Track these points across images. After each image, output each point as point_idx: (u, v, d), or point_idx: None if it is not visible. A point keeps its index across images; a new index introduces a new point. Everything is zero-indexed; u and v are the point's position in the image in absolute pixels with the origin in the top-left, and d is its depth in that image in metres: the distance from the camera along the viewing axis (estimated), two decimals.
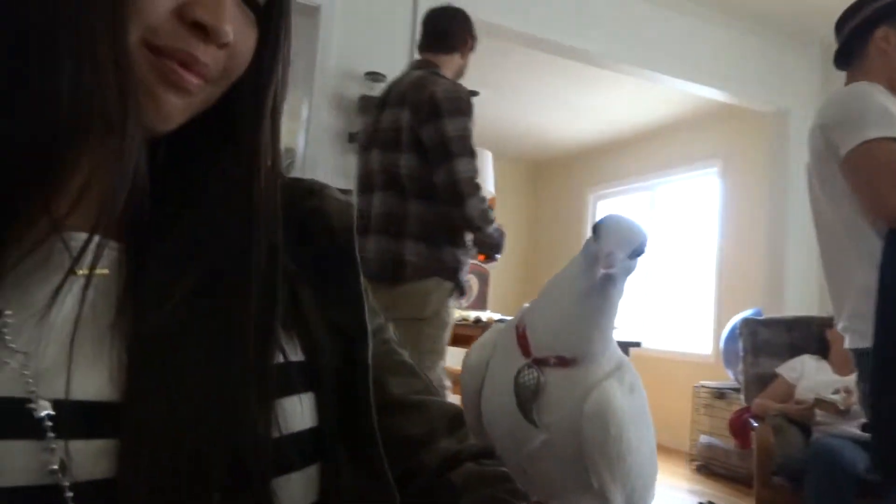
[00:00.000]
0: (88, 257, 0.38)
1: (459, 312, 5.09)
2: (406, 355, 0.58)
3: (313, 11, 2.75)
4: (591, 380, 0.35)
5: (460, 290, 2.07)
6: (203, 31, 0.39)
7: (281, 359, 0.44)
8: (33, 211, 0.37)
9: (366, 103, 2.75)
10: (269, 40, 0.45)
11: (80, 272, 0.38)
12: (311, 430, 0.44)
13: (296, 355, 0.46)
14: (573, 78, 4.61)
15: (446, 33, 2.18)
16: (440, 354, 2.03)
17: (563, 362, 0.35)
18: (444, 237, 2.01)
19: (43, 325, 0.36)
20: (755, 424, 2.58)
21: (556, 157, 6.87)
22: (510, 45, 3.72)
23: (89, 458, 0.35)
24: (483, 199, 2.00)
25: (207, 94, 0.42)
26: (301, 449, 0.43)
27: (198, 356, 0.39)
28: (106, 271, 0.39)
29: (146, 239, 0.41)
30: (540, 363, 0.35)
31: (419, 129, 1.96)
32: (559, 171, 6.93)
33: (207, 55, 0.40)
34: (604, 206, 6.51)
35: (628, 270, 0.34)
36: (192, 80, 0.40)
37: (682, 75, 3.68)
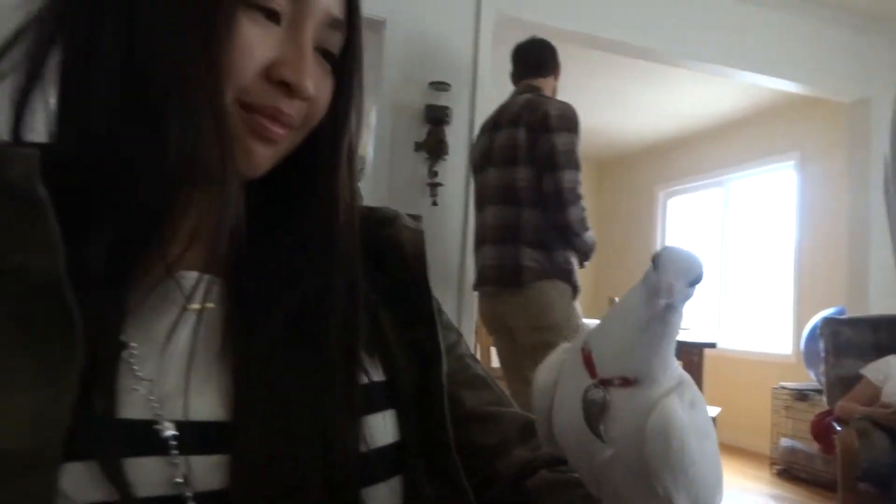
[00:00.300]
0: (199, 294, 0.43)
1: None
2: (479, 368, 0.61)
3: (379, 25, 2.83)
4: (653, 397, 0.38)
5: (575, 291, 2.24)
6: (287, 88, 0.44)
7: (365, 379, 0.48)
8: (150, 255, 0.43)
9: (431, 112, 2.81)
10: (344, 89, 0.49)
11: (192, 307, 0.43)
12: (393, 445, 0.48)
13: (378, 375, 0.50)
14: (638, 75, 4.55)
15: (542, 61, 2.48)
16: None
17: (627, 382, 0.38)
18: (556, 241, 2.20)
19: (163, 355, 0.41)
20: (838, 428, 2.49)
21: (622, 156, 6.77)
22: (573, 46, 3.72)
23: (207, 471, 0.40)
24: (583, 208, 2.21)
25: (290, 142, 0.47)
26: (385, 462, 0.47)
27: (293, 380, 0.44)
28: (212, 305, 0.44)
29: (244, 275, 0.46)
30: (605, 383, 0.38)
31: (534, 143, 2.19)
32: (626, 170, 6.83)
33: (292, 108, 0.45)
34: (674, 204, 6.37)
35: (686, 298, 0.37)
36: (278, 131, 0.45)
37: (753, 68, 3.58)
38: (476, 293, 2.56)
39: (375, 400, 0.49)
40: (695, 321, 5.56)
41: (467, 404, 0.57)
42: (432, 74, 2.85)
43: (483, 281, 2.34)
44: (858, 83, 3.78)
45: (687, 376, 0.40)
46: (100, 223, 0.41)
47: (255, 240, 0.47)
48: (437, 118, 2.82)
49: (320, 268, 0.48)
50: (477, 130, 2.94)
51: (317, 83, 0.46)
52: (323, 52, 0.47)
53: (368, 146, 2.97)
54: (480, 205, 2.41)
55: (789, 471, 4.22)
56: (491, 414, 0.57)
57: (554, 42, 3.42)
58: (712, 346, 4.07)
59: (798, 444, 4.15)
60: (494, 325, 2.41)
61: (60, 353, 0.37)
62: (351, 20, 0.49)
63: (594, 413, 0.38)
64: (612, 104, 5.27)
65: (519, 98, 2.38)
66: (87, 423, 0.37)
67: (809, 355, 3.97)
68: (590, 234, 2.27)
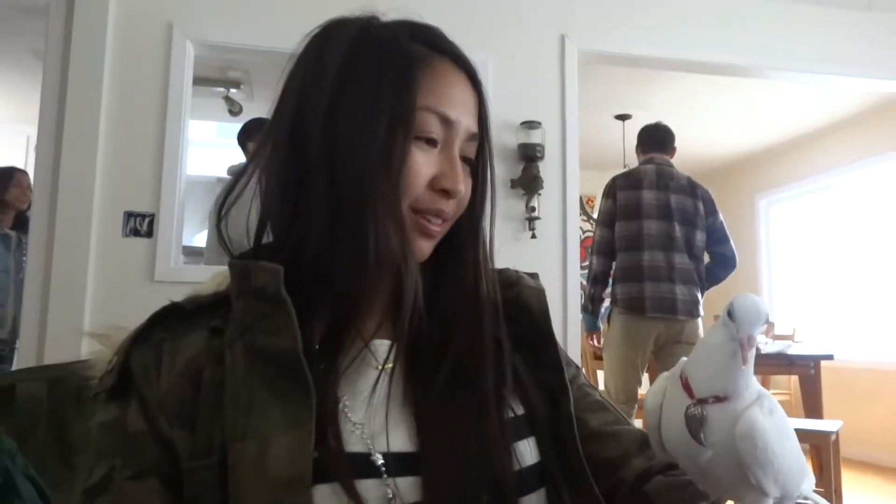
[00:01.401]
0: (388, 357, 0.60)
1: None
2: (598, 395, 0.74)
3: None
4: (740, 409, 0.51)
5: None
6: (446, 193, 0.60)
7: (511, 414, 0.63)
8: (354, 331, 0.59)
9: (524, 150, 2.97)
10: (480, 181, 0.66)
11: (383, 367, 0.60)
12: (537, 464, 0.62)
13: (520, 410, 0.64)
14: (729, 87, 4.53)
15: (669, 141, 3.32)
16: None
17: (719, 399, 0.52)
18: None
19: (367, 405, 0.58)
20: None
21: (717, 168, 6.66)
22: (656, 70, 3.78)
23: (408, 489, 0.54)
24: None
25: (444, 231, 0.63)
26: (533, 477, 0.61)
27: (460, 418, 0.59)
28: (393, 365, 0.60)
29: (416, 338, 0.61)
30: (701, 402, 0.52)
31: (708, 216, 3.12)
32: (723, 181, 6.70)
33: (449, 207, 0.61)
34: (777, 212, 6.19)
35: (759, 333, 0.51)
36: (437, 228, 0.61)
37: (845, 72, 3.52)
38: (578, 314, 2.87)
39: (520, 430, 0.63)
40: (809, 333, 5.36)
41: (591, 425, 0.69)
42: (523, 114, 3.01)
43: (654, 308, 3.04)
44: None
45: (765, 390, 0.53)
46: (319, 310, 0.58)
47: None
48: (530, 156, 2.97)
49: (473, 327, 0.63)
50: (568, 164, 3.07)
51: (464, 183, 0.62)
52: (464, 159, 0.63)
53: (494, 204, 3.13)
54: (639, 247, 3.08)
55: None
56: (612, 432, 0.70)
57: (637, 67, 3.53)
58: (829, 357, 3.95)
59: None
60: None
61: (300, 407, 0.53)
62: (482, 129, 0.64)
63: (695, 426, 0.52)
64: (704, 119, 5.25)
65: (664, 168, 3.20)
66: (327, 456, 0.53)
67: None
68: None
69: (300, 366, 0.53)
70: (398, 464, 0.55)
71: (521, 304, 0.69)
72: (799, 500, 0.56)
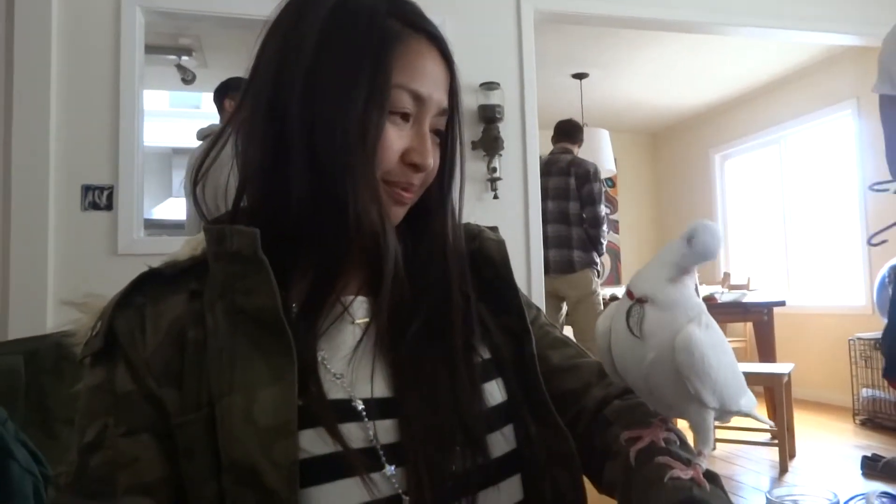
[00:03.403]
0: (361, 312, 0.64)
1: None
2: (557, 332, 0.79)
3: None
4: (679, 319, 0.57)
5: (598, 272, 3.82)
6: (415, 167, 0.63)
7: (479, 359, 0.67)
8: (332, 290, 0.63)
9: (484, 112, 3.00)
10: (448, 152, 0.69)
11: (358, 322, 0.64)
12: (504, 402, 0.67)
13: (486, 354, 0.69)
14: (684, 44, 4.60)
15: (576, 132, 4.03)
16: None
17: (652, 301, 0.58)
18: (589, 245, 3.78)
19: (346, 358, 0.62)
20: None
21: (673, 124, 6.78)
22: (612, 28, 3.82)
23: (387, 430, 0.58)
24: (605, 228, 3.84)
25: (414, 199, 0.67)
26: (501, 415, 0.66)
27: (432, 365, 0.64)
28: (371, 320, 0.64)
29: (388, 294, 0.63)
30: (640, 301, 0.58)
31: (580, 188, 3.75)
32: (679, 137, 6.83)
33: (417, 179, 0.65)
34: (731, 166, 6.35)
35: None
36: (408, 196, 0.65)
37: (801, 26, 3.60)
38: (541, 269, 3.15)
39: (487, 372, 0.67)
40: (763, 282, 5.56)
41: (553, 361, 0.75)
42: (482, 76, 3.03)
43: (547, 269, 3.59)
44: None
45: (703, 306, 0.59)
46: (299, 272, 0.62)
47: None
48: (490, 117, 3.00)
49: (442, 284, 0.67)
50: (528, 124, 3.11)
51: (433, 156, 0.65)
52: (434, 131, 0.66)
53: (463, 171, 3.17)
54: (545, 221, 3.47)
55: (873, 420, 4.23)
56: (573, 365, 0.76)
57: (593, 26, 3.56)
58: (781, 304, 4.13)
59: (879, 393, 4.16)
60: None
61: (282, 361, 0.56)
62: (452, 104, 0.67)
63: (632, 319, 0.58)
64: (660, 76, 5.32)
65: (562, 157, 3.86)
66: (310, 403, 0.57)
67: (881, 303, 3.96)
68: (605, 239, 3.82)
69: (280, 322, 0.57)
70: (377, 408, 0.59)
71: (484, 255, 0.73)
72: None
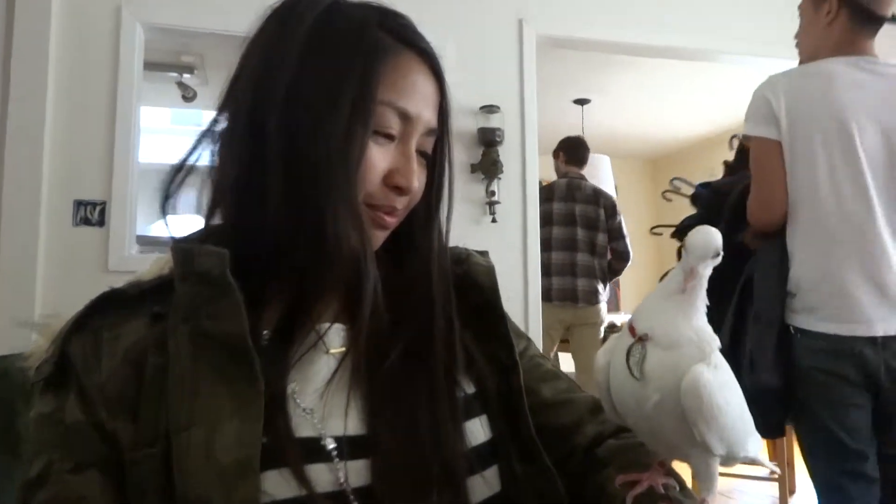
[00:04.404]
0: (337, 341, 0.60)
1: None
2: (549, 364, 0.75)
3: None
4: (685, 356, 0.52)
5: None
6: (399, 189, 0.60)
7: (462, 393, 0.63)
8: (307, 317, 0.59)
9: (484, 135, 2.97)
10: (437, 174, 0.65)
11: (333, 352, 0.60)
12: (488, 441, 0.63)
13: (470, 388, 0.65)
14: (686, 72, 4.61)
15: (585, 155, 3.89)
16: None
17: (655, 337, 0.53)
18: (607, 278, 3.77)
19: (318, 391, 0.57)
20: None
21: (673, 152, 6.79)
22: (615, 55, 3.82)
23: (359, 472, 0.55)
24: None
25: (398, 221, 0.63)
26: (484, 455, 0.62)
27: (410, 400, 0.59)
28: (347, 349, 0.60)
29: (367, 321, 0.59)
30: (642, 339, 0.54)
31: (609, 219, 3.71)
32: (679, 165, 6.83)
33: (401, 203, 0.61)
34: None
35: (710, 268, 0.52)
36: (391, 220, 0.61)
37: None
38: (540, 300, 3.01)
39: (471, 408, 0.63)
40: None
41: (544, 394, 0.71)
42: (482, 99, 3.01)
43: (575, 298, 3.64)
44: None
45: (715, 343, 0.54)
46: (272, 297, 0.58)
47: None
48: (489, 140, 2.97)
49: (424, 313, 0.63)
50: (528, 148, 3.09)
51: (418, 178, 0.62)
52: (421, 152, 0.63)
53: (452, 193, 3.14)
54: (546, 248, 3.50)
55: None
56: (564, 399, 0.72)
57: (594, 52, 3.55)
58: None
59: None
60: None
61: (248, 393, 0.52)
62: (442, 124, 0.64)
63: (632, 358, 0.53)
64: (661, 103, 5.33)
65: (574, 181, 3.76)
66: (275, 441, 0.52)
67: None
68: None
69: (247, 351, 0.53)
70: (350, 447, 0.55)
71: (471, 280, 0.69)
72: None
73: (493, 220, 2.99)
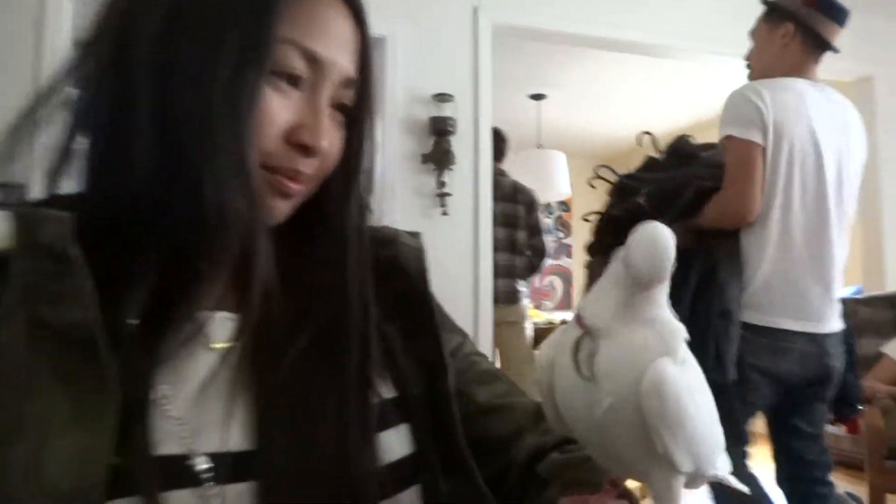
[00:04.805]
0: (223, 333, 0.48)
1: (545, 316, 5.18)
2: (486, 363, 0.64)
3: (378, 42, 2.88)
4: (647, 356, 0.41)
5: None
6: (305, 149, 0.48)
7: (377, 399, 0.52)
8: (184, 302, 0.46)
9: (436, 124, 2.86)
10: (356, 135, 0.54)
11: (216, 346, 0.47)
12: (410, 456, 0.52)
13: (389, 392, 0.54)
14: (640, 69, 4.58)
15: (504, 148, 3.57)
16: None
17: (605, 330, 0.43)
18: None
19: (192, 394, 0.45)
20: (863, 408, 2.49)
21: (629, 150, 6.79)
22: (572, 47, 3.76)
23: (241, 499, 0.44)
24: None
25: (306, 191, 0.51)
26: (403, 473, 0.51)
27: (311, 407, 0.48)
28: (235, 343, 0.48)
29: (263, 311, 0.48)
30: (592, 333, 0.43)
31: (528, 216, 3.51)
32: (635, 162, 6.84)
33: (309, 167, 0.49)
34: None
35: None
36: (296, 187, 0.50)
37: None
38: (490, 296, 2.90)
39: (388, 416, 0.53)
40: None
41: (479, 399, 0.60)
42: (435, 87, 2.91)
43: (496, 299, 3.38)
44: (860, 61, 3.77)
45: (680, 332, 0.43)
46: (139, 276, 0.45)
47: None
48: (441, 130, 2.86)
49: (335, 297, 0.52)
50: (481, 140, 2.99)
51: (330, 137, 0.50)
52: (337, 106, 0.52)
53: (376, 161, 3.02)
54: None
55: None
56: (503, 405, 0.61)
57: (550, 43, 3.46)
58: None
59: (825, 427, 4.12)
60: None
61: (95, 398, 0.40)
62: (364, 74, 0.53)
63: (582, 354, 0.42)
64: (618, 101, 5.30)
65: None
66: (128, 461, 0.40)
67: None
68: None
69: (93, 344, 0.41)
70: (230, 467, 0.44)
71: (398, 265, 0.58)
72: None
73: (444, 213, 2.89)
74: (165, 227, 0.45)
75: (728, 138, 1.68)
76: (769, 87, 1.70)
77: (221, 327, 0.49)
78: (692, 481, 0.46)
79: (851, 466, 3.73)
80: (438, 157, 2.86)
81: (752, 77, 1.87)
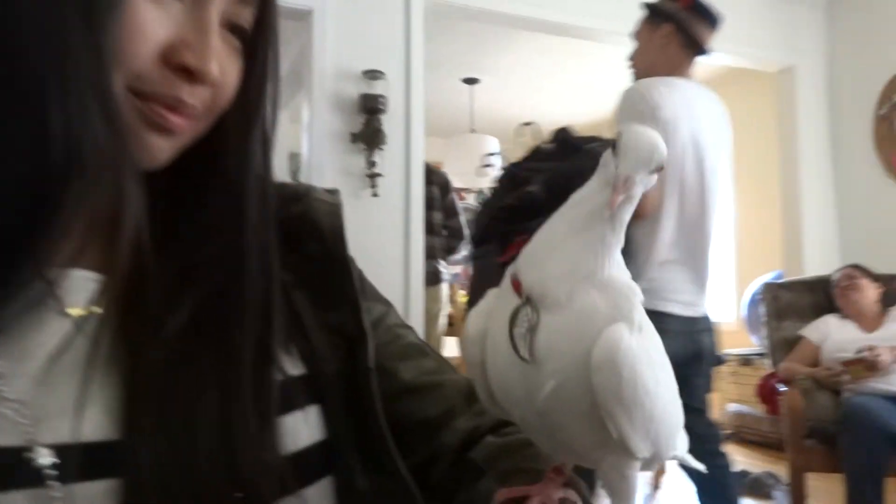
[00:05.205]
0: (81, 297, 0.39)
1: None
2: (413, 336, 0.57)
3: (306, 15, 2.75)
4: (598, 324, 0.35)
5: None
6: (189, 74, 0.39)
7: (280, 376, 0.44)
8: (29, 259, 0.36)
9: (366, 102, 2.76)
10: (256, 66, 0.44)
11: (73, 313, 0.38)
12: (320, 444, 0.45)
13: (296, 369, 0.46)
14: (575, 54, 4.59)
15: None
16: None
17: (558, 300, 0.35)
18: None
19: (38, 372, 0.36)
20: (783, 389, 2.56)
21: None
22: (505, 29, 3.72)
23: (95, 500, 0.35)
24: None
25: (194, 130, 0.42)
26: (311, 464, 0.44)
27: (195, 387, 0.40)
28: (99, 310, 0.39)
29: (140, 273, 0.40)
30: (532, 301, 0.35)
31: (443, 198, 3.62)
32: None
33: (194, 96, 0.40)
34: None
35: (646, 187, 0.35)
36: (179, 121, 0.40)
37: None
38: (421, 281, 2.85)
39: (294, 397, 0.45)
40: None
41: (403, 376, 0.53)
42: (365, 63, 2.80)
43: None
44: (782, 51, 3.88)
45: (634, 292, 0.36)
46: None
47: (154, 233, 0.41)
48: (372, 108, 2.76)
49: (229, 259, 0.43)
50: (414, 120, 2.90)
51: (223, 64, 0.41)
52: (231, 28, 0.42)
53: (302, 141, 2.89)
54: None
55: (738, 434, 4.34)
56: (431, 383, 0.54)
57: (484, 22, 3.41)
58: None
59: (745, 408, 4.27)
60: None
61: None
62: None
63: (520, 330, 0.35)
64: (553, 86, 5.32)
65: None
66: None
67: (751, 320, 4.09)
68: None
69: None
70: (84, 462, 0.35)
71: (309, 223, 0.50)
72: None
73: (375, 195, 2.79)
74: (4, 168, 0.35)
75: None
76: (664, 83, 1.78)
77: (79, 288, 0.39)
78: (647, 465, 0.40)
79: (771, 447, 3.88)
80: (369, 136, 2.76)
81: (636, 76, 1.94)
